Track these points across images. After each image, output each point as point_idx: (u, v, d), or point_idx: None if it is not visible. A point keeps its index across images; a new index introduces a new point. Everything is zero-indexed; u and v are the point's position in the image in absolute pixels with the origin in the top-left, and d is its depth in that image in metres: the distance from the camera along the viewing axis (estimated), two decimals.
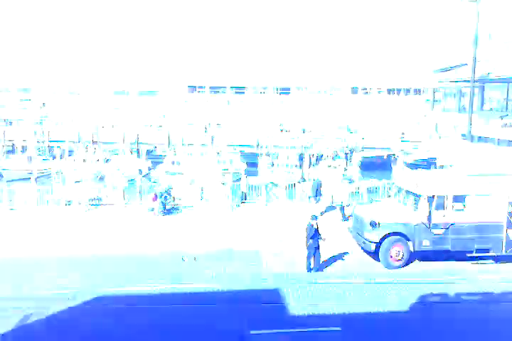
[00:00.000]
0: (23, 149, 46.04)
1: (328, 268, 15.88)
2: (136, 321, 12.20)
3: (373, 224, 15.94)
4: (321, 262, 15.66)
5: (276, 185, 34.87)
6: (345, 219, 21.41)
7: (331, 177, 31.18)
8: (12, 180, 31.40)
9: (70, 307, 12.82)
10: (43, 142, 55.81)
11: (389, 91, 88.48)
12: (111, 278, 14.75)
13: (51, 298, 13.40)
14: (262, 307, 13.07)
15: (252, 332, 11.62)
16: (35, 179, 27.37)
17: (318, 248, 15.44)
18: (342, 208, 21.85)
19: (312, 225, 15.43)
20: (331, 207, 23.17)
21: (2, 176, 36.89)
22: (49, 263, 16.22)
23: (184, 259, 16.50)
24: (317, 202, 23.13)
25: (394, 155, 48.14)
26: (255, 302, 13.38)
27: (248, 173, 34.04)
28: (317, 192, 23.27)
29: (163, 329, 11.84)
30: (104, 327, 11.88)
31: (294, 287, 14.18)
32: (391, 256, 15.86)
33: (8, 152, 48.61)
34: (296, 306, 12.97)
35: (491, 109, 44.50)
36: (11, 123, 71.87)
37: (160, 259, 16.67)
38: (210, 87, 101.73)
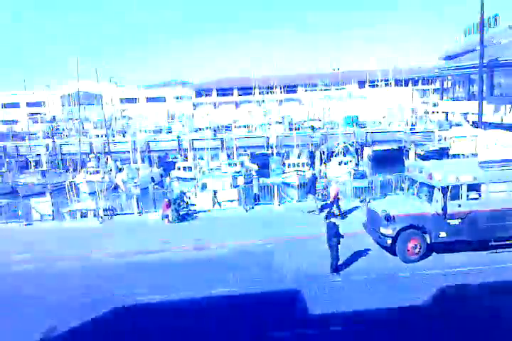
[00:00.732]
0: (37, 164, 46.52)
1: (347, 265, 15.73)
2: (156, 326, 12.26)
3: (388, 218, 15.75)
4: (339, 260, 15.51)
5: (288, 185, 34.96)
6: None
7: (342, 174, 31.05)
8: (27, 195, 31.74)
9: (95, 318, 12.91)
10: (55, 155, 56.35)
11: (397, 82, 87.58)
12: (132, 286, 14.82)
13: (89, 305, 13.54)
14: (282, 308, 13.00)
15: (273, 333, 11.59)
16: (50, 193, 27.60)
17: (338, 246, 15.17)
18: (333, 205, 20.95)
19: (334, 223, 15.28)
20: (328, 204, 21.72)
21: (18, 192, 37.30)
22: (74, 273, 16.39)
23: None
24: (314, 198, 22.68)
25: (405, 147, 47.73)
26: (275, 303, 13.32)
27: (260, 174, 34.04)
28: (311, 188, 22.94)
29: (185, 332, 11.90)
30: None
31: (314, 286, 14.10)
32: (408, 250, 15.68)
33: (22, 167, 49.09)
34: (317, 306, 12.88)
35: (501, 95, 43.96)
36: (23, 138, 72.77)
37: (180, 264, 16.71)
38: (217, 89, 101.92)
